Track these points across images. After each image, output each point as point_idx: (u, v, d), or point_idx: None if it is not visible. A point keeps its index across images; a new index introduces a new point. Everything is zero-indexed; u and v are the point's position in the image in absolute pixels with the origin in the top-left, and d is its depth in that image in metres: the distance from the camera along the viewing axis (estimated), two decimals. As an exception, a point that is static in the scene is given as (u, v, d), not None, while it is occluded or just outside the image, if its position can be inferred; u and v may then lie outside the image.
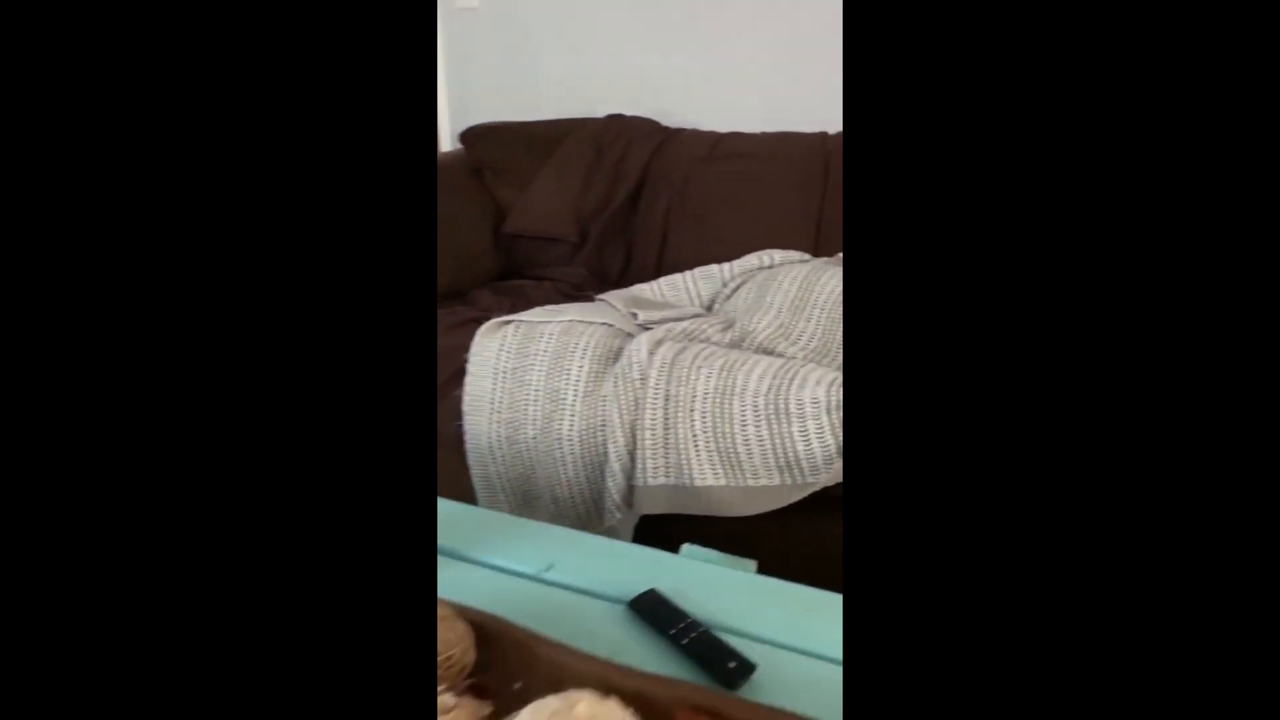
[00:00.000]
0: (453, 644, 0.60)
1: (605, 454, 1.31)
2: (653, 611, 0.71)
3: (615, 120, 2.04)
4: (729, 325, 1.50)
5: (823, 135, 1.86)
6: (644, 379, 1.30)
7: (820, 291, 1.50)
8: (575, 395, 1.34)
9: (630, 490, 1.30)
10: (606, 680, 0.58)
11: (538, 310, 1.49)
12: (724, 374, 1.27)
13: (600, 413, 1.32)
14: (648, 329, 1.43)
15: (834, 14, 1.86)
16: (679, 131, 2.00)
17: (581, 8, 2.14)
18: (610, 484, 1.30)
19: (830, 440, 1.20)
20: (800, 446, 1.21)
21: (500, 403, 1.39)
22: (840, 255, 1.71)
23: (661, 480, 1.28)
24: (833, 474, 1.19)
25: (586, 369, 1.35)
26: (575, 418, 1.34)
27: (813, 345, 1.43)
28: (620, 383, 1.31)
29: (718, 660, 0.65)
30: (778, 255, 1.69)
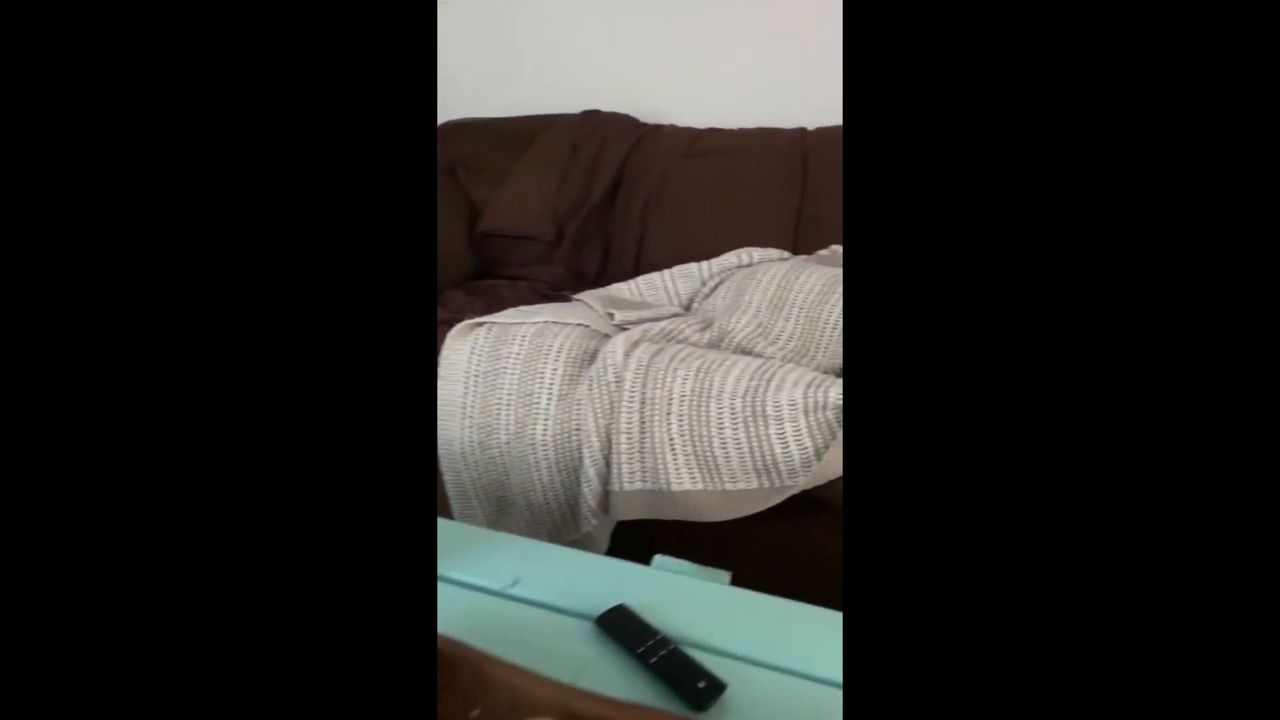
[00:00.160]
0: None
1: (580, 459, 1.28)
2: (621, 628, 0.69)
3: (591, 116, 2.00)
4: (707, 325, 1.47)
5: (801, 131, 1.84)
6: (619, 381, 1.27)
7: (799, 290, 1.47)
8: (549, 399, 1.31)
9: (606, 496, 1.27)
10: (567, 706, 0.55)
11: (511, 311, 1.46)
12: (701, 376, 1.25)
13: (575, 416, 1.29)
14: (625, 329, 1.40)
15: (814, 8, 1.84)
16: (657, 127, 1.96)
17: (556, 1, 2.10)
18: (585, 490, 1.27)
19: (808, 443, 1.18)
20: (778, 449, 1.19)
21: (472, 407, 1.36)
22: (819, 253, 1.69)
23: (638, 485, 1.25)
24: (811, 477, 1.17)
25: (561, 372, 1.32)
26: (549, 422, 1.31)
27: (791, 345, 1.41)
28: (595, 385, 1.28)
29: (687, 680, 0.63)
30: (756, 254, 1.66)
